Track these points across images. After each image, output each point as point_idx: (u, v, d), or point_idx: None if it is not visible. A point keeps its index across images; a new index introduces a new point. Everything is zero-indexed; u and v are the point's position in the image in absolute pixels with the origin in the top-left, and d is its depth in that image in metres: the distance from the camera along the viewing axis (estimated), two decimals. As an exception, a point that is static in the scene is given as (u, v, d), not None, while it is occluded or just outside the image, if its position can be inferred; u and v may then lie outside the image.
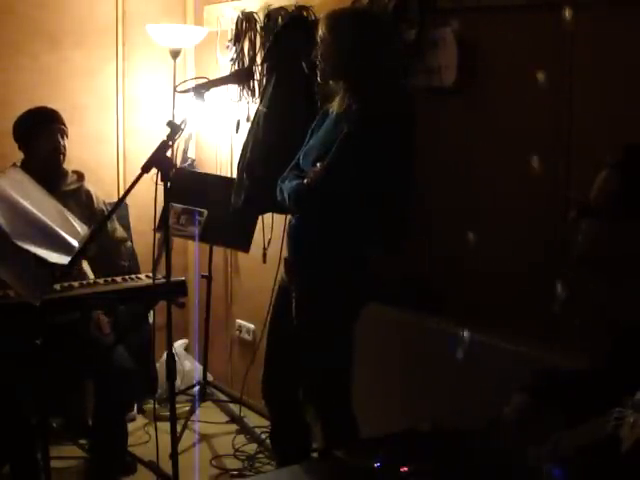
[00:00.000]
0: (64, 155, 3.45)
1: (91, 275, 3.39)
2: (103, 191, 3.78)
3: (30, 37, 4.21)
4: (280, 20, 3.73)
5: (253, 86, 3.96)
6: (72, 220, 3.13)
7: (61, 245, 2.97)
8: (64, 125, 3.46)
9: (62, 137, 3.43)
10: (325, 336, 2.89)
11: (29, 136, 3.41)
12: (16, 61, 4.18)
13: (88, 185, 3.57)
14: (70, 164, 3.61)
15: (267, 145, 3.51)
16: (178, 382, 4.11)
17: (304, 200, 2.82)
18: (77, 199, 3.45)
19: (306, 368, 2.97)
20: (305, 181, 2.80)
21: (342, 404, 2.97)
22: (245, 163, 3.61)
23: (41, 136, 3.39)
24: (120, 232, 3.61)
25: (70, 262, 2.76)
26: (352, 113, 2.81)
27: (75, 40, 4.33)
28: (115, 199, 3.71)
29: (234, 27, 4.03)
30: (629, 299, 1.74)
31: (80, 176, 3.55)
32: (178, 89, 2.82)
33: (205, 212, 3.92)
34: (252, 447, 3.85)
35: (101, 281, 3.19)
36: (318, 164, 2.80)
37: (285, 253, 3.08)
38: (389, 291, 3.18)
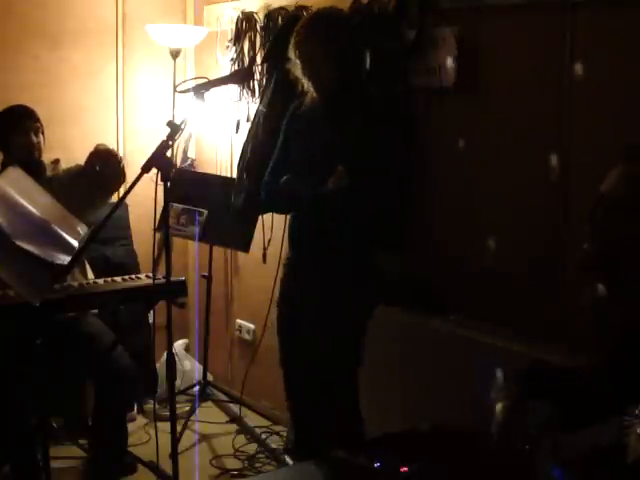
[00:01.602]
0: (40, 151, 3.37)
1: (91, 275, 3.39)
2: (103, 191, 3.78)
3: (30, 37, 4.21)
4: (280, 20, 3.74)
5: (253, 86, 3.96)
6: (72, 220, 3.12)
7: (61, 245, 2.96)
8: (39, 122, 3.38)
9: (36, 135, 3.35)
10: (346, 333, 2.92)
11: (3, 135, 3.35)
12: (16, 61, 4.18)
13: (62, 165, 3.48)
14: (70, 164, 3.60)
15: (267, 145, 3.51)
16: (178, 382, 4.11)
17: (329, 203, 2.84)
18: (53, 186, 3.37)
19: (322, 368, 2.97)
20: (330, 186, 2.80)
21: (353, 404, 2.98)
22: (245, 163, 3.62)
23: (15, 135, 3.32)
24: None
25: (70, 262, 2.76)
26: (355, 115, 2.82)
27: (75, 40, 4.33)
28: (115, 199, 3.70)
29: (234, 27, 4.04)
30: (633, 301, 1.73)
31: (56, 163, 3.47)
32: (178, 89, 2.81)
33: (205, 212, 3.92)
34: (252, 447, 3.85)
35: (101, 281, 3.19)
36: (339, 167, 2.80)
37: (284, 252, 3.09)
38: (390, 291, 3.18)
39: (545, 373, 1.91)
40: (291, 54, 2.93)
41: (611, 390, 1.68)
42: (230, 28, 4.10)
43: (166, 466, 3.11)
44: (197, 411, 4.13)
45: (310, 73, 2.90)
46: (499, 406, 1.88)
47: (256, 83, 3.94)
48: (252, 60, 3.92)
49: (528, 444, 1.72)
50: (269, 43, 3.69)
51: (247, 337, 4.36)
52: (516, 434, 1.78)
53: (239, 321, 4.43)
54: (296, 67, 2.93)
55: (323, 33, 2.88)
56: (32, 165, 3.30)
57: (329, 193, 2.80)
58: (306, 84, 2.93)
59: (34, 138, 3.34)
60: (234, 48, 4.03)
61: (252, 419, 4.09)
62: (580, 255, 1.79)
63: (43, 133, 3.40)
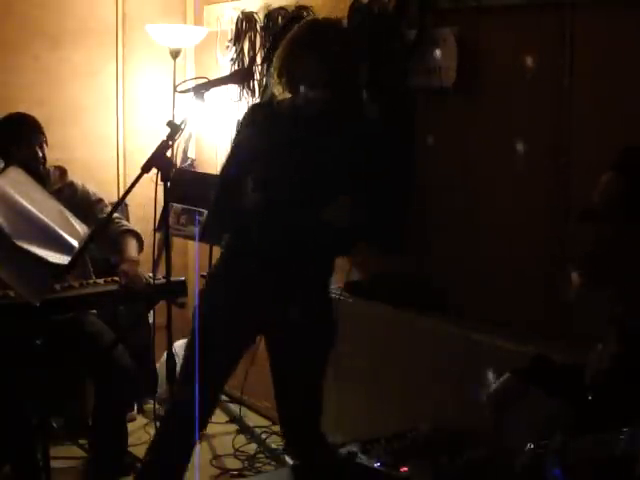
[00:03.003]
0: (45, 164, 3.34)
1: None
2: (103, 191, 3.76)
3: (30, 37, 4.21)
4: (280, 20, 3.74)
5: (253, 86, 3.97)
6: (72, 220, 3.12)
7: (61, 245, 2.96)
8: (43, 134, 3.33)
9: (41, 148, 3.30)
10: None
11: (7, 146, 3.29)
12: (16, 61, 4.18)
13: (72, 177, 3.46)
14: (70, 164, 3.59)
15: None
16: (178, 382, 4.10)
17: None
18: (62, 196, 3.33)
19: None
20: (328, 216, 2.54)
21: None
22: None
23: (20, 147, 3.27)
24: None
25: (70, 262, 2.76)
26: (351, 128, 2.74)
27: (75, 40, 4.34)
28: (115, 199, 3.70)
29: (234, 27, 4.04)
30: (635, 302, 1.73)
31: (62, 172, 3.45)
32: (178, 89, 2.80)
33: (205, 212, 3.91)
34: (252, 447, 3.85)
35: (101, 281, 3.19)
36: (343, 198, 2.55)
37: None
38: (390, 291, 3.18)
39: (549, 368, 1.91)
40: (275, 68, 2.63)
41: (618, 395, 1.68)
42: (230, 28, 4.10)
43: (166, 466, 3.11)
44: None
45: (298, 91, 2.58)
46: (499, 403, 1.88)
47: (256, 83, 3.94)
48: (252, 60, 3.93)
49: (532, 443, 1.72)
50: (269, 43, 3.69)
51: (247, 337, 4.35)
52: (518, 432, 1.78)
53: (239, 321, 4.42)
54: (279, 83, 2.62)
55: (315, 47, 2.55)
56: (35, 176, 3.27)
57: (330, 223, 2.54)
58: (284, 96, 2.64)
59: (39, 152, 3.30)
60: (234, 48, 4.03)
61: (252, 419, 4.08)
62: (581, 254, 1.79)
63: (47, 143, 3.35)
